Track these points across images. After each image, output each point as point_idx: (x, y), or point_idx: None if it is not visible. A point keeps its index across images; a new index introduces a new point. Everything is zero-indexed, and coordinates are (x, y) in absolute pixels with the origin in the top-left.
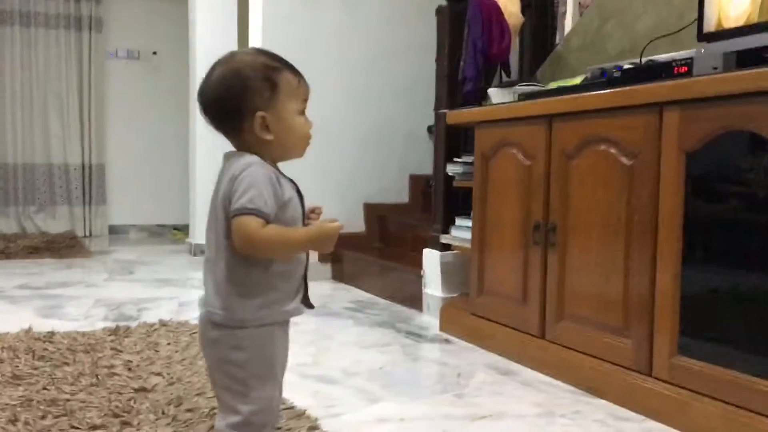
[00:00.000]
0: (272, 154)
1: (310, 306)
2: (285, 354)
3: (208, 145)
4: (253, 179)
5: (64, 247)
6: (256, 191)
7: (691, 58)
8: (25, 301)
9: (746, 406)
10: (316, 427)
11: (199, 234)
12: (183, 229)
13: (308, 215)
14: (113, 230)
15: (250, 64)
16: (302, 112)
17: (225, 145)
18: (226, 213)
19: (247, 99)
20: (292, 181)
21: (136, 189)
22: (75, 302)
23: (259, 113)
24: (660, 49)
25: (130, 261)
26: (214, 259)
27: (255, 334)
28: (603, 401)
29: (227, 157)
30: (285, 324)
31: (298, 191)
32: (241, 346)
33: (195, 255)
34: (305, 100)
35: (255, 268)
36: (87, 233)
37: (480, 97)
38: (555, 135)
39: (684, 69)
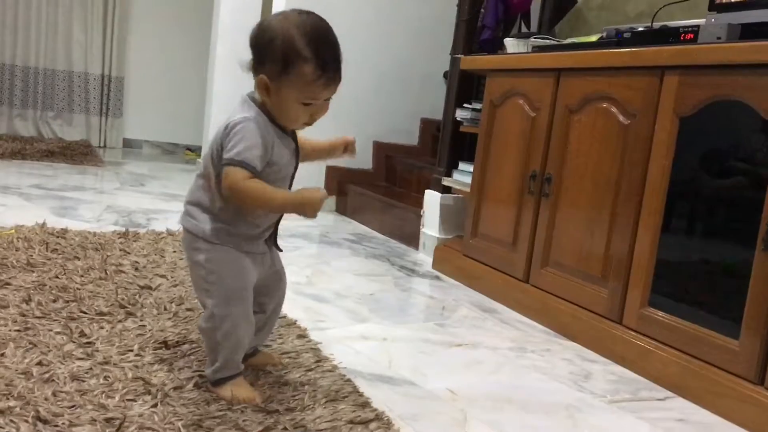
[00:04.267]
0: (271, 111)
1: (278, 248)
2: (253, 272)
3: (227, 69)
4: (245, 134)
5: (78, 154)
6: (246, 145)
7: (698, 26)
8: (39, 199)
9: (703, 357)
10: (304, 336)
11: None
12: (196, 150)
13: (344, 151)
14: (127, 143)
15: (286, 36)
16: (306, 104)
17: (242, 71)
18: (215, 148)
19: (264, 60)
20: (291, 135)
21: (153, 105)
22: (87, 206)
23: (263, 77)
24: (677, 15)
25: (142, 174)
26: (203, 174)
27: (212, 245)
28: (573, 343)
29: (244, 97)
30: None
31: (296, 150)
32: (200, 248)
33: None
34: (316, 97)
35: (227, 205)
36: (101, 144)
37: (496, 46)
38: (561, 89)
39: (690, 36)
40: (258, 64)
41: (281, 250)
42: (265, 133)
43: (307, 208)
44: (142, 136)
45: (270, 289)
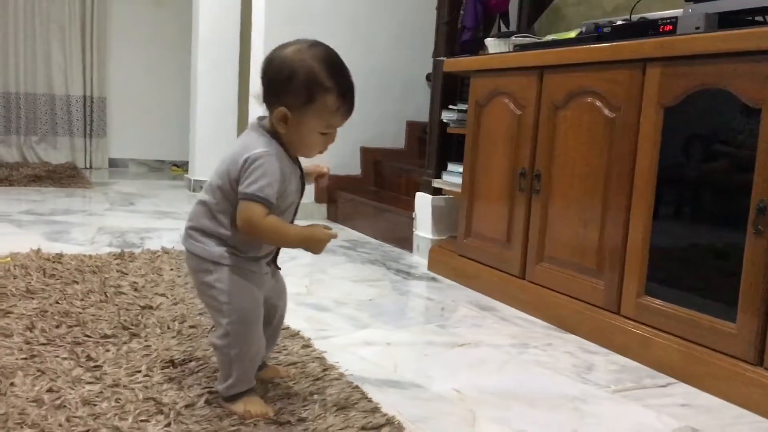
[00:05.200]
0: (285, 142)
1: (276, 267)
2: (260, 290)
3: (209, 82)
4: (267, 169)
5: (65, 177)
6: (268, 181)
7: (676, 18)
8: (31, 225)
9: (702, 342)
10: (308, 346)
11: (198, 170)
12: (182, 166)
13: (316, 179)
14: (113, 163)
15: (307, 68)
16: (324, 132)
17: (225, 84)
18: (231, 178)
19: (284, 92)
20: (298, 163)
21: (136, 124)
22: (79, 228)
23: (283, 109)
24: (654, 7)
25: (130, 193)
26: (211, 202)
27: (221, 266)
28: (574, 336)
29: (256, 126)
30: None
31: (301, 172)
32: (209, 269)
33: (194, 191)
34: (334, 126)
35: (239, 232)
36: (87, 165)
37: (477, 47)
38: (546, 86)
39: (669, 27)
40: (275, 98)
41: (279, 269)
42: (283, 167)
43: (316, 243)
44: (128, 155)
45: (273, 302)
